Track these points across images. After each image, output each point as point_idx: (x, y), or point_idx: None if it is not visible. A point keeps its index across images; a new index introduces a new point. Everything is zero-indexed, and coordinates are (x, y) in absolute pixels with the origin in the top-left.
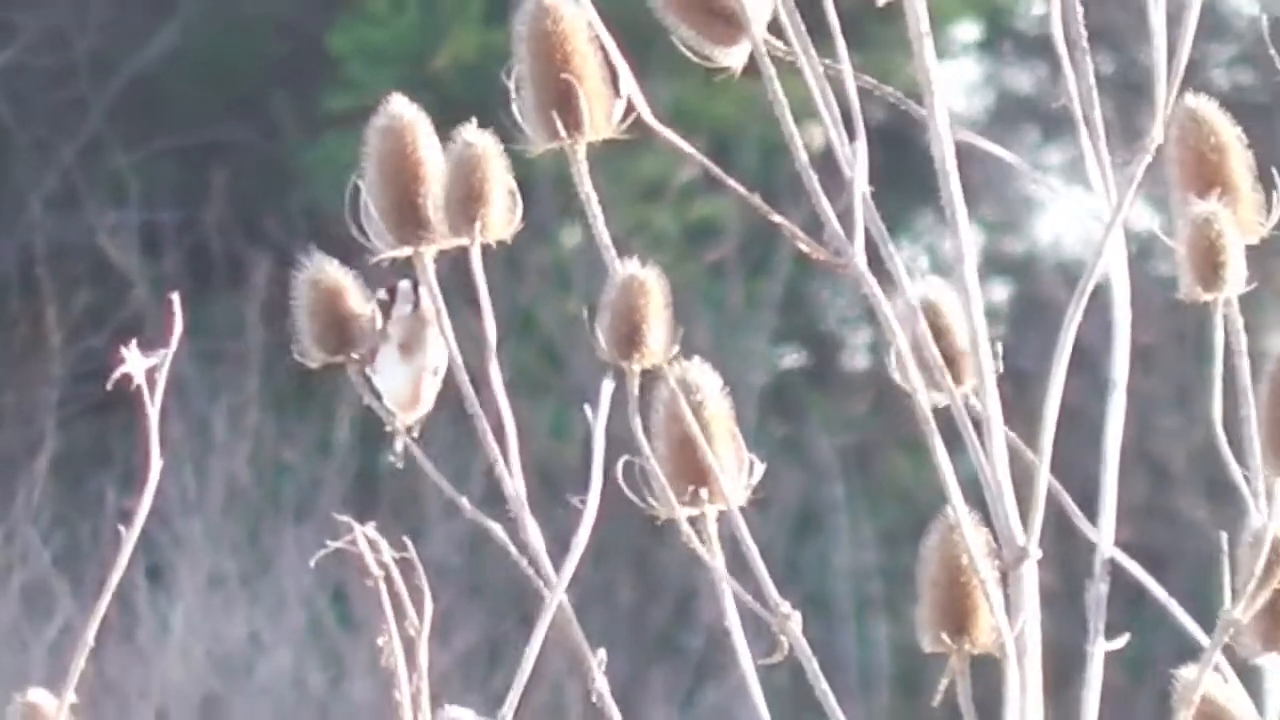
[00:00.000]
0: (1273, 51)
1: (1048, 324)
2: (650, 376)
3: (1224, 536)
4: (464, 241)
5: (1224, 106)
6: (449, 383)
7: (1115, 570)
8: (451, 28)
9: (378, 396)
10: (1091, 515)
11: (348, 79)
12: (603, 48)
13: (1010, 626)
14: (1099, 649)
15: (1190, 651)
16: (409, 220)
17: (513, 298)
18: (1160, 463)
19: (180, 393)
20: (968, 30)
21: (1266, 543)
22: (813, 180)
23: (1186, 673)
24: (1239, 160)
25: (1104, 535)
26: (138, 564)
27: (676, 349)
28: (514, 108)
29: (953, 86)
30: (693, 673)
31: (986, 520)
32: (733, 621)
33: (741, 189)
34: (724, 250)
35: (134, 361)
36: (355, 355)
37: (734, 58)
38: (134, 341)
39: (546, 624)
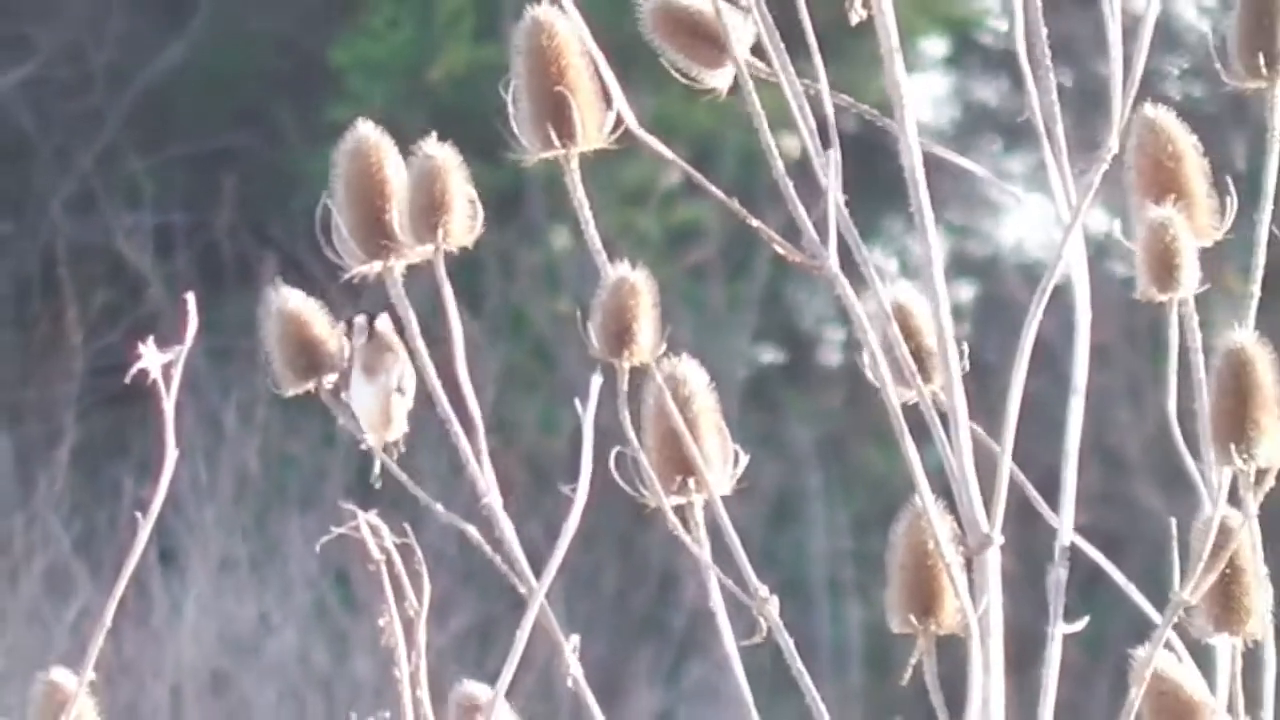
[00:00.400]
0: (1218, 65)
1: (1011, 322)
2: (638, 373)
3: (1174, 522)
4: (428, 249)
5: (1177, 117)
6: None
7: (1074, 554)
8: (445, 43)
9: (353, 418)
10: (1052, 503)
11: (348, 91)
12: (593, 62)
13: (974, 608)
14: (1058, 630)
15: (1146, 632)
16: (377, 235)
17: (505, 298)
18: (1116, 453)
19: (194, 387)
20: (936, 45)
21: (1214, 528)
22: (789, 187)
23: (1141, 652)
24: (1194, 167)
25: (1064, 523)
26: (152, 549)
27: (664, 347)
28: (510, 118)
29: (921, 99)
30: (676, 651)
31: (952, 508)
32: (717, 604)
33: (721, 195)
34: (705, 253)
35: (150, 357)
36: (327, 381)
37: (719, 79)
38: (150, 338)
39: (535, 610)
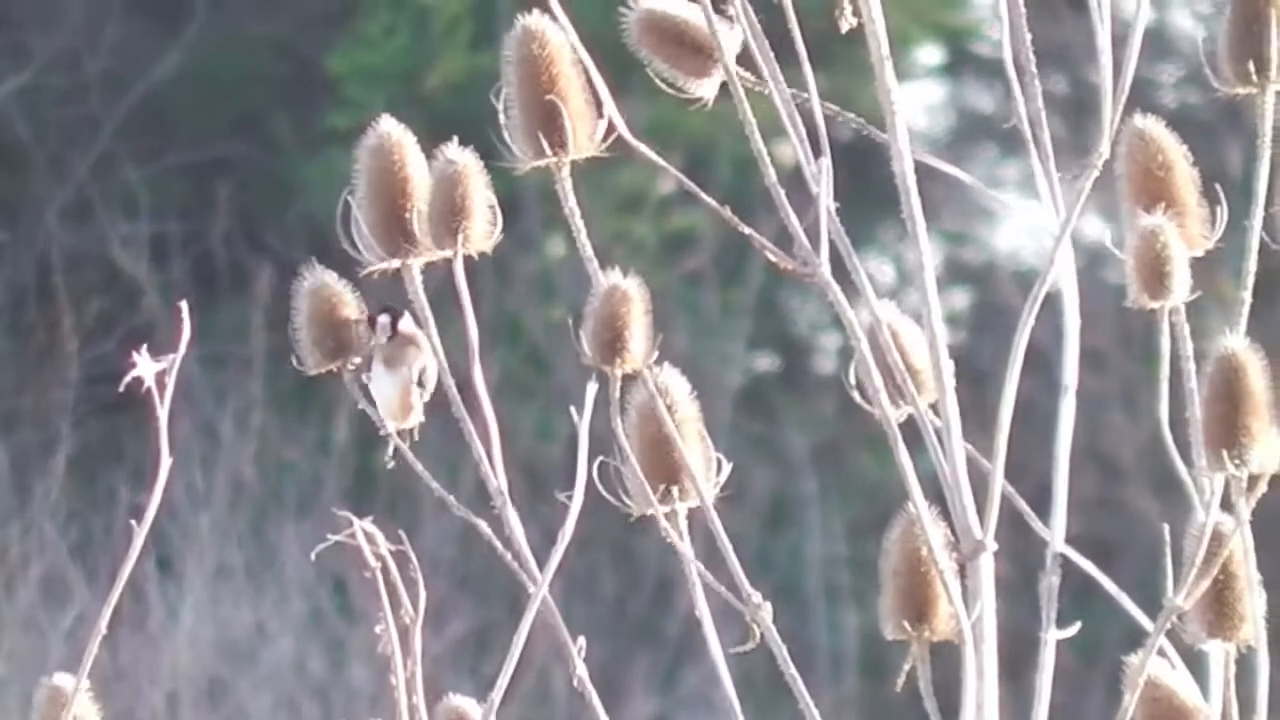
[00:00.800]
0: (1208, 71)
1: (1005, 329)
2: (627, 381)
3: (1167, 529)
4: (447, 253)
5: (1171, 125)
6: (443, 386)
7: (1068, 561)
8: (441, 51)
9: (373, 403)
10: (1046, 509)
11: (344, 98)
12: (585, 70)
13: (968, 615)
14: (1051, 636)
15: (1140, 638)
16: (396, 234)
17: (501, 305)
18: (1110, 459)
19: (188, 395)
20: (930, 54)
21: (1207, 534)
22: (781, 196)
23: (1134, 658)
24: (1184, 176)
25: (1056, 530)
26: (149, 556)
27: (656, 354)
28: (503, 127)
29: (915, 107)
30: (672, 657)
31: (946, 515)
32: (703, 612)
33: (714, 203)
34: (700, 260)
35: (144, 365)
36: (350, 364)
37: (706, 88)
38: (144, 346)
39: (532, 615)
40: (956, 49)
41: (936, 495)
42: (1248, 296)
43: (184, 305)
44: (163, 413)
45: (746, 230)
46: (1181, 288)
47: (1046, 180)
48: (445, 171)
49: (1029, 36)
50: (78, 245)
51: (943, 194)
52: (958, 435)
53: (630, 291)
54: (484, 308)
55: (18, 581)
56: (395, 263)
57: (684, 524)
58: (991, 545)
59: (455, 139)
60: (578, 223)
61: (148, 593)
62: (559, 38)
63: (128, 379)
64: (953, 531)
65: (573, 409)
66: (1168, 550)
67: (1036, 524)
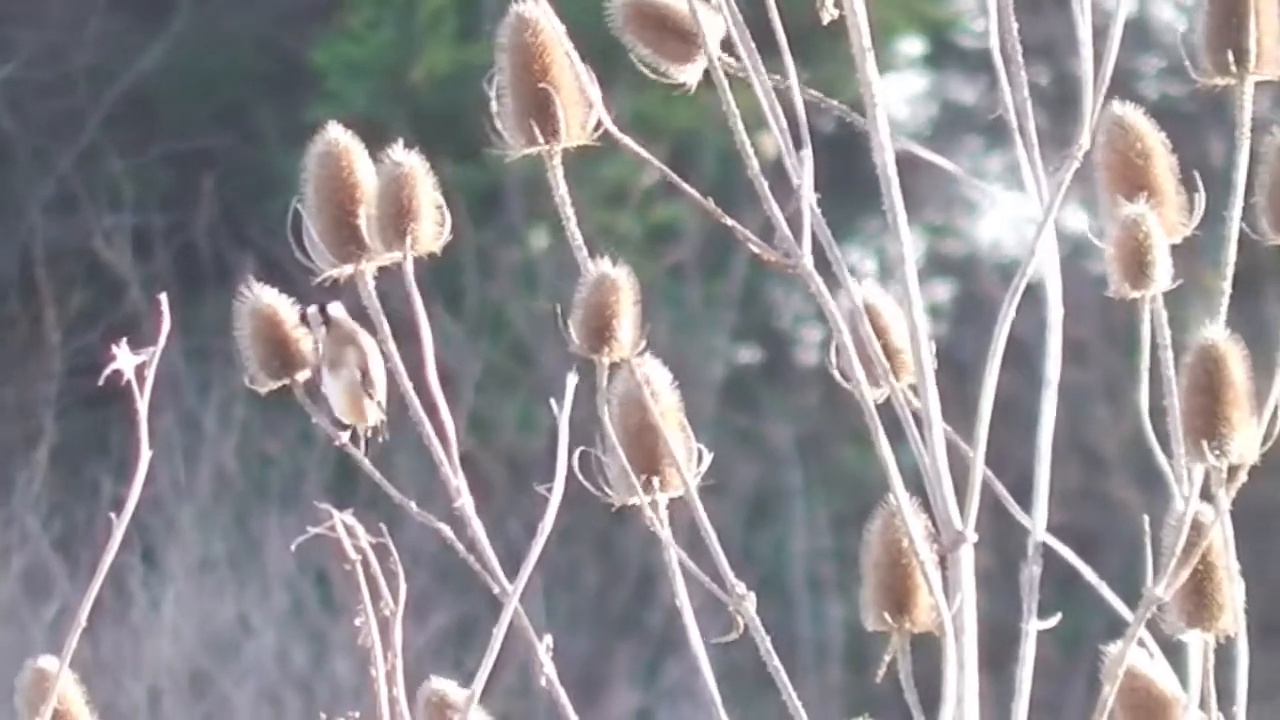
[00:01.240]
0: (1187, 62)
1: (987, 321)
2: (610, 370)
3: (1148, 519)
4: (396, 255)
5: (1152, 116)
6: (418, 386)
7: (1050, 552)
8: (425, 44)
9: (326, 415)
10: (1027, 500)
11: (328, 91)
12: (572, 61)
13: (948, 606)
14: (1032, 627)
15: (1121, 629)
16: (347, 239)
17: (484, 297)
18: (1093, 450)
19: (172, 387)
20: (913, 45)
21: (1186, 524)
22: (764, 187)
23: (1114, 648)
24: (1163, 165)
25: (1037, 521)
26: (132, 548)
27: (642, 345)
28: (494, 114)
29: (898, 98)
30: (654, 649)
31: (927, 506)
32: (684, 602)
33: (697, 195)
34: (684, 252)
35: (125, 358)
36: (299, 378)
37: (689, 74)
38: (127, 339)
39: (509, 614)
40: (939, 40)
41: (918, 487)
42: (1227, 287)
43: (165, 298)
44: (143, 405)
45: (729, 222)
46: (1163, 276)
47: (1032, 171)
48: (392, 173)
49: (1016, 26)
50: (61, 238)
51: (926, 186)
52: (939, 426)
53: (619, 280)
54: (467, 300)
55: (0, 573)
56: (347, 269)
57: (666, 515)
58: (972, 536)
59: (439, 133)
60: (568, 211)
61: (130, 585)
62: (552, 26)
63: (108, 371)
64: (933, 523)
65: (553, 401)
66: (1148, 541)
67: (1018, 513)
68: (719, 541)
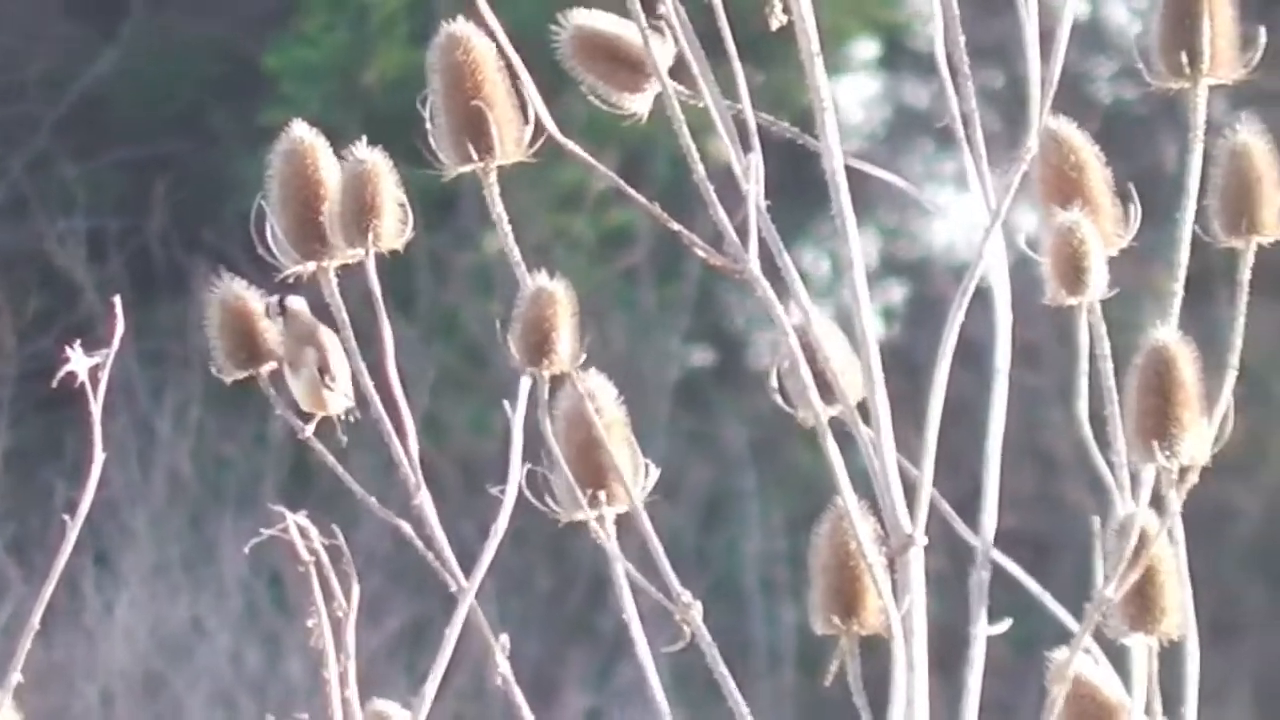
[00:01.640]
0: (1141, 65)
1: (940, 323)
2: (559, 379)
3: (1097, 522)
4: (359, 253)
5: (1106, 119)
6: (377, 384)
7: (1006, 553)
8: (379, 46)
9: (290, 407)
10: (979, 504)
11: (281, 95)
12: (513, 72)
13: (898, 609)
14: (981, 632)
15: (1073, 632)
16: (311, 237)
17: (437, 300)
18: (1046, 453)
19: (126, 391)
20: (866, 48)
21: (1134, 528)
22: (710, 192)
23: (1059, 654)
24: (1098, 177)
25: (985, 525)
26: (86, 551)
27: (584, 356)
28: (429, 134)
29: (852, 101)
30: (607, 652)
31: (877, 509)
32: (631, 615)
33: (644, 200)
34: (637, 255)
35: (79, 361)
36: (264, 370)
37: (640, 103)
38: (80, 343)
39: (463, 614)
40: (893, 43)
41: (869, 490)
42: (1179, 289)
43: (119, 302)
44: (97, 409)
45: (676, 227)
46: (1099, 283)
47: (979, 178)
48: (354, 170)
49: (962, 36)
50: (15, 243)
51: (879, 188)
52: (887, 430)
53: (557, 294)
54: (421, 303)
55: None
56: (310, 267)
57: (616, 523)
58: (921, 540)
59: (392, 135)
60: (505, 227)
61: (84, 588)
62: (484, 43)
63: (62, 375)
64: (883, 526)
65: (506, 404)
66: (1097, 544)
67: (962, 527)
68: (673, 543)
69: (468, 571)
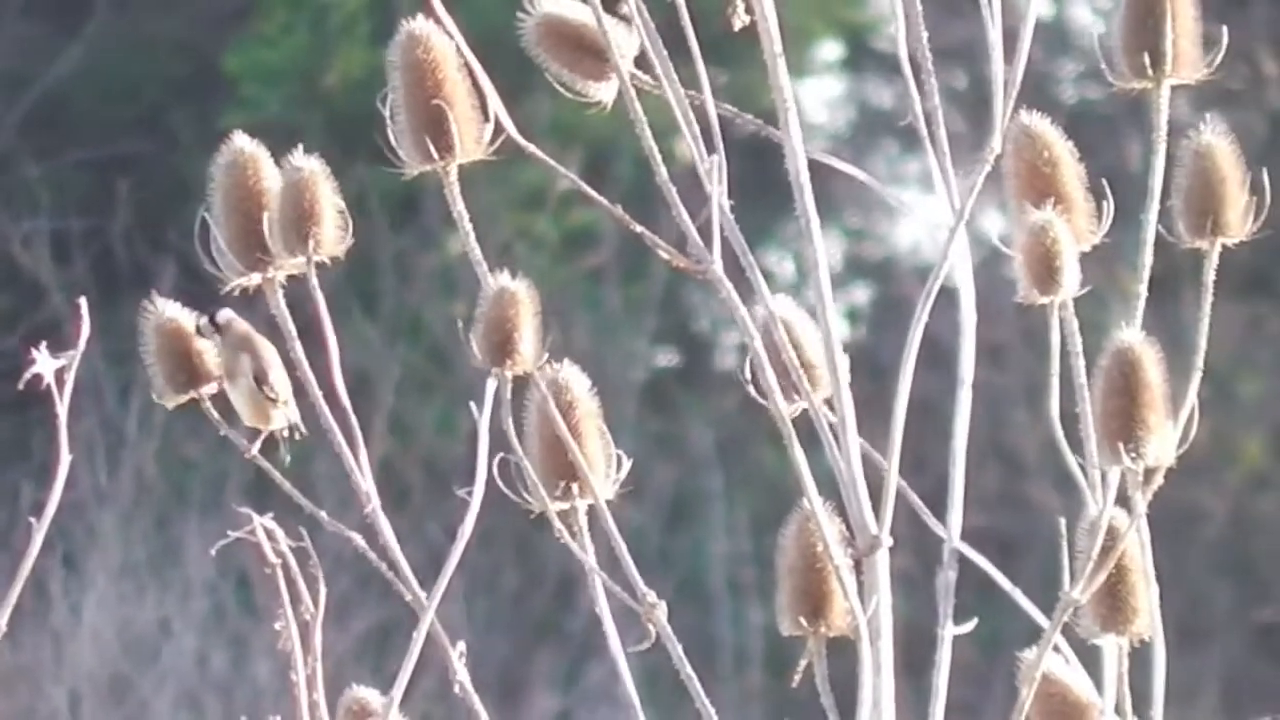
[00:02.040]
0: (1104, 66)
1: (906, 325)
2: (528, 377)
3: (1064, 523)
4: (299, 260)
5: (1071, 120)
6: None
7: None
8: (339, 48)
9: (238, 426)
10: (945, 504)
11: (242, 97)
12: (473, 72)
13: (864, 610)
14: (948, 632)
15: (1041, 632)
16: (254, 248)
17: (401, 301)
18: (1013, 454)
19: (93, 392)
20: (831, 49)
21: (1101, 528)
22: (673, 193)
23: (1029, 653)
24: (1071, 173)
25: (952, 526)
26: (53, 553)
27: (547, 355)
28: (389, 133)
29: (817, 102)
30: (575, 653)
31: (843, 510)
32: (603, 610)
33: (606, 202)
34: (602, 256)
35: (45, 362)
36: (205, 391)
37: (605, 91)
38: (45, 343)
39: (428, 621)
40: (857, 44)
41: (835, 490)
42: (1144, 290)
43: (84, 303)
44: (63, 409)
45: (638, 228)
46: (1071, 282)
47: (943, 178)
48: (292, 178)
49: (925, 35)
50: None
51: (844, 190)
52: (853, 431)
53: (519, 294)
54: (384, 304)
55: None
56: (255, 278)
57: (586, 521)
58: (887, 541)
59: (354, 136)
60: (466, 225)
61: (50, 589)
62: (443, 42)
63: (28, 375)
64: (849, 527)
65: (472, 405)
66: (1064, 545)
67: (933, 521)
68: (639, 544)
69: (435, 572)
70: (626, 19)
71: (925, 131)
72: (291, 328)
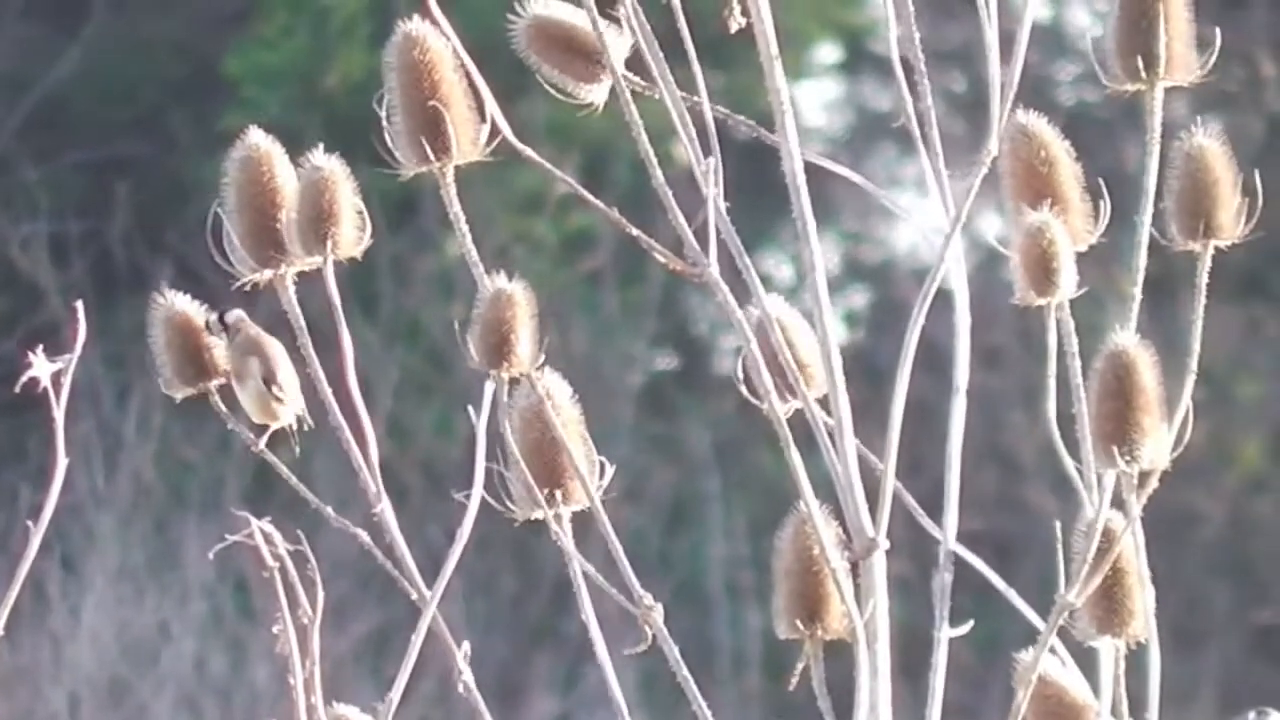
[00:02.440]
0: (1098, 68)
1: (904, 328)
2: (514, 384)
3: (1059, 526)
4: (317, 260)
5: (1068, 123)
6: (337, 392)
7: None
8: (339, 50)
9: (244, 421)
10: (941, 507)
11: (242, 99)
12: (469, 74)
13: (861, 613)
14: (944, 634)
15: (1037, 635)
16: (267, 244)
17: (400, 304)
18: (1010, 457)
19: (90, 394)
20: (828, 52)
21: (1098, 531)
22: (669, 196)
23: (1025, 655)
24: (1068, 173)
25: (947, 528)
26: (51, 555)
27: (545, 358)
28: (386, 134)
29: (814, 105)
30: (573, 656)
31: (840, 513)
32: (589, 617)
33: (603, 205)
34: (600, 259)
35: (42, 365)
36: (213, 385)
37: (597, 93)
38: (43, 346)
39: (427, 622)
40: (854, 47)
41: (833, 494)
42: (1138, 293)
43: (81, 306)
44: (60, 412)
45: (634, 231)
46: (1068, 283)
47: (937, 179)
48: (312, 178)
49: (918, 36)
50: None
51: (842, 193)
52: (849, 433)
53: (516, 295)
54: (383, 307)
55: None
56: (267, 274)
57: (579, 526)
58: (884, 543)
59: (353, 139)
60: (463, 227)
61: (49, 592)
62: (440, 43)
63: (25, 378)
64: (845, 530)
65: (470, 408)
66: (1060, 547)
67: (928, 522)
68: (637, 547)
69: (433, 575)
70: (618, 21)
71: (919, 132)
72: (303, 323)
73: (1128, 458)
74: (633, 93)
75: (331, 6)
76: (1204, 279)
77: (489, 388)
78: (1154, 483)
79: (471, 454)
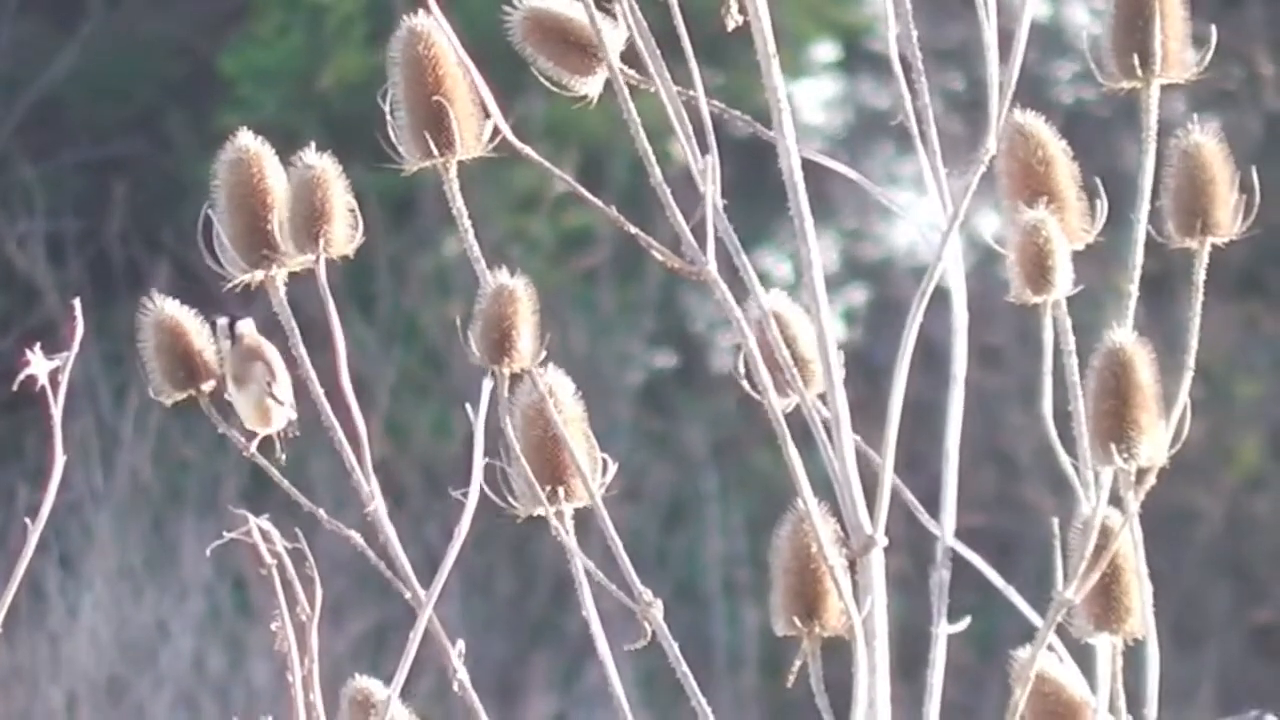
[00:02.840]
0: (1094, 66)
1: (902, 326)
2: (517, 379)
3: (1057, 523)
4: (309, 259)
5: (1066, 121)
6: (332, 391)
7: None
8: (336, 49)
9: (233, 426)
10: (939, 504)
11: (238, 98)
12: (471, 71)
13: (859, 610)
14: (942, 631)
15: (1035, 632)
16: (259, 244)
17: (397, 303)
18: (1008, 454)
19: (88, 393)
20: (826, 50)
21: (1095, 528)
22: (667, 194)
23: (1022, 652)
24: (1065, 172)
25: (945, 525)
26: (49, 554)
27: (545, 354)
28: (389, 129)
29: (812, 103)
30: (572, 654)
31: (838, 511)
32: (591, 614)
33: (600, 203)
34: (598, 257)
35: (39, 363)
36: (204, 389)
37: (591, 86)
38: (40, 344)
39: (424, 621)
40: (852, 45)
41: (831, 491)
42: (1135, 290)
43: (79, 304)
44: (57, 411)
45: (632, 229)
46: (1064, 281)
47: (935, 178)
48: (303, 176)
49: (916, 34)
50: None
51: (840, 191)
52: (847, 430)
53: (518, 291)
54: (380, 306)
55: None
56: (259, 274)
57: (578, 524)
58: (882, 541)
59: (350, 138)
60: (465, 223)
61: (47, 590)
62: (444, 39)
63: (22, 377)
64: (843, 527)
65: (468, 406)
66: (1057, 544)
67: (926, 519)
68: (635, 545)
69: (432, 573)
70: (613, 15)
71: (917, 131)
72: (294, 325)
73: (1125, 455)
74: (630, 91)
75: (327, 6)
76: (1201, 277)
77: (486, 387)
78: (1151, 480)
79: (469, 453)
